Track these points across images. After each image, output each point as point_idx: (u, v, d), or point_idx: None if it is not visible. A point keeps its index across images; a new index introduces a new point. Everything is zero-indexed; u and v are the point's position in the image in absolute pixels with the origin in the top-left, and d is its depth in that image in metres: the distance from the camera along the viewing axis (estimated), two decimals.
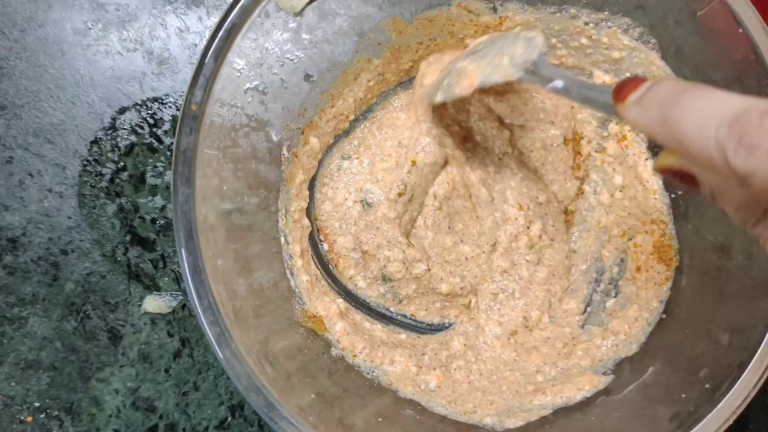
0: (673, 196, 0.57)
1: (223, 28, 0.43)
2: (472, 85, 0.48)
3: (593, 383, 0.54)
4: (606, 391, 0.54)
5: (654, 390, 0.51)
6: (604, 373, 0.55)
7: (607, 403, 0.53)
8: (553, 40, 0.57)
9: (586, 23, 0.55)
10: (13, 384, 0.58)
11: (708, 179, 0.31)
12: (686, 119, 0.27)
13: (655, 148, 0.58)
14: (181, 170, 0.42)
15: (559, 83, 0.41)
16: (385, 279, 0.60)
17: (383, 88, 0.62)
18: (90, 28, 0.62)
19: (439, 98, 0.52)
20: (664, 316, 0.56)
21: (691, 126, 0.27)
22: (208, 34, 0.61)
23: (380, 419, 0.50)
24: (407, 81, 0.62)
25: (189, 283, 0.42)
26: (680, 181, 0.32)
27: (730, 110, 0.25)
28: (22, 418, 0.58)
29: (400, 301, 0.61)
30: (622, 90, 0.32)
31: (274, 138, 0.53)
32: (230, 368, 0.42)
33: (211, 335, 0.42)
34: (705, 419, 0.43)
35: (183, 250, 0.42)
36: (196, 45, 0.62)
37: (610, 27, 0.54)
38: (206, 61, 0.43)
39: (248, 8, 0.44)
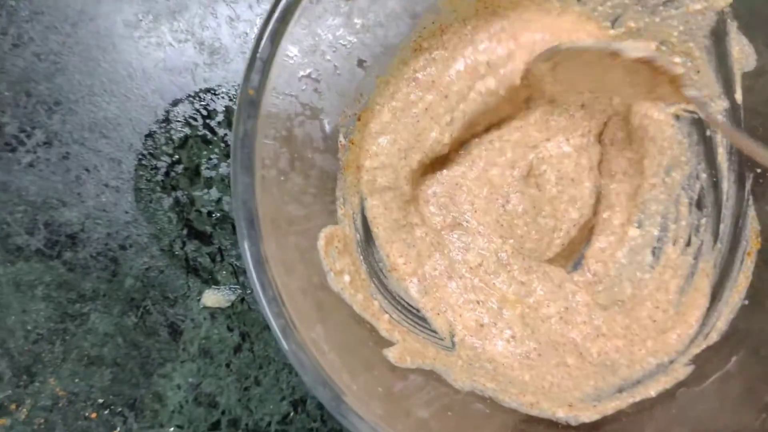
0: (751, 175, 0.54)
1: (278, 10, 0.42)
2: None
3: (672, 375, 0.51)
4: (686, 383, 0.51)
5: (738, 380, 0.48)
6: (684, 364, 0.52)
7: (689, 395, 0.50)
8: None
9: None
10: (77, 380, 0.58)
11: None
12: None
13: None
14: (240, 158, 0.41)
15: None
16: None
17: None
18: (140, 20, 0.61)
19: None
20: (746, 302, 0.52)
21: None
22: (259, 21, 0.60)
23: (449, 413, 0.48)
24: None
25: (252, 274, 0.40)
26: None
27: None
28: (87, 414, 0.58)
29: None
30: None
31: (329, 125, 0.52)
32: (296, 360, 0.40)
33: (276, 327, 0.40)
34: None
35: (245, 241, 0.40)
36: (246, 34, 0.61)
37: None
38: (262, 43, 0.41)
39: None
